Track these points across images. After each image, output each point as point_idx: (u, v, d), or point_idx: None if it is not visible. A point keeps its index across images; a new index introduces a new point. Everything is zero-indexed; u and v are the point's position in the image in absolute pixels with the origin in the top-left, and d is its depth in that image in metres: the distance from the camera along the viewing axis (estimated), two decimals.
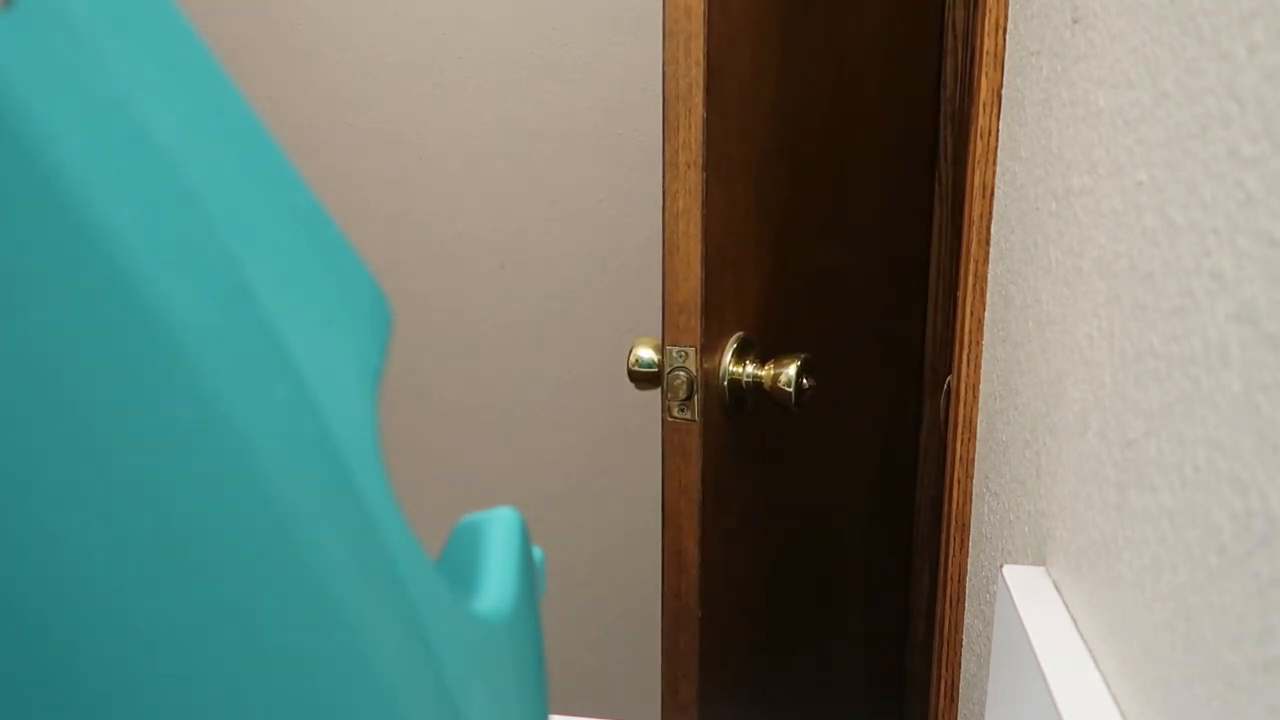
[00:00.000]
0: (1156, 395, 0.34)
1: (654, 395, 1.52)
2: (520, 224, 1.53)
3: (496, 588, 0.26)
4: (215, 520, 0.16)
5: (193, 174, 0.17)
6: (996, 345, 0.66)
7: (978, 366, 0.72)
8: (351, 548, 0.19)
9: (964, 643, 0.76)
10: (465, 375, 1.60)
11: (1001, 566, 0.56)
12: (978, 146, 0.69)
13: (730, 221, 0.89)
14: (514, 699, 0.26)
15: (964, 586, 0.76)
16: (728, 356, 0.92)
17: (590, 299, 1.52)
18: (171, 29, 0.18)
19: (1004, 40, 0.67)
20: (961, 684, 0.77)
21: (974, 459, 0.74)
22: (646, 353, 0.93)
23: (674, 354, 0.87)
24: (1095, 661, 0.40)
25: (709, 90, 0.82)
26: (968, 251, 0.72)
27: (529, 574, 0.28)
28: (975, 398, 0.72)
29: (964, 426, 0.74)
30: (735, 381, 0.92)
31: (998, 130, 0.68)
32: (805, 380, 0.93)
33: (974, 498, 0.74)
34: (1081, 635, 0.43)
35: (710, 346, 0.88)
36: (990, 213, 0.70)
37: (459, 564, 0.27)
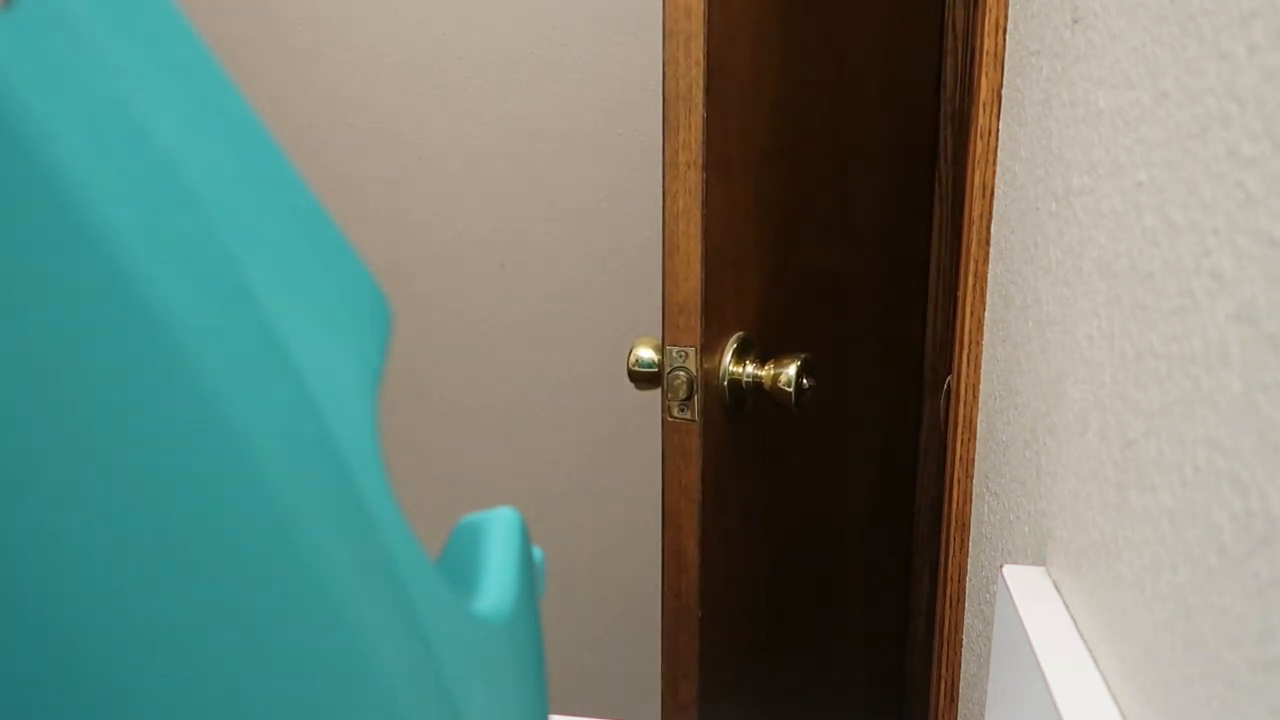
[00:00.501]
0: (1156, 395, 0.34)
1: (654, 395, 1.52)
2: (520, 224, 1.53)
3: (496, 588, 0.26)
4: (215, 520, 0.16)
5: (193, 174, 0.17)
6: (996, 345, 0.66)
7: (978, 366, 0.72)
8: (351, 548, 0.19)
9: (964, 643, 0.76)
10: (465, 375, 1.60)
11: (1001, 566, 0.56)
12: (978, 146, 0.69)
13: (730, 221, 0.89)
14: (514, 699, 0.26)
15: (964, 586, 0.76)
16: (728, 356, 0.92)
17: (590, 299, 1.52)
18: (171, 29, 0.18)
19: (1004, 40, 0.67)
20: (961, 684, 0.77)
21: (974, 459, 0.74)
22: (646, 353, 0.93)
23: (674, 354, 0.87)
24: (1095, 661, 0.40)
25: (709, 90, 0.82)
26: (968, 251, 0.72)
27: (529, 574, 0.28)
28: (975, 398, 0.72)
29: (964, 426, 0.74)
30: (735, 381, 0.92)
31: (998, 130, 0.68)
32: (805, 380, 0.93)
33: (974, 498, 0.74)
34: (1081, 635, 0.43)
35: (710, 346, 0.88)
36: (990, 213, 0.70)
37: (459, 564, 0.27)
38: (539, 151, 1.49)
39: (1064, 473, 0.47)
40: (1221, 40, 0.29)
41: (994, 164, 0.69)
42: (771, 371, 0.93)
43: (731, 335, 0.92)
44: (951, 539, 0.77)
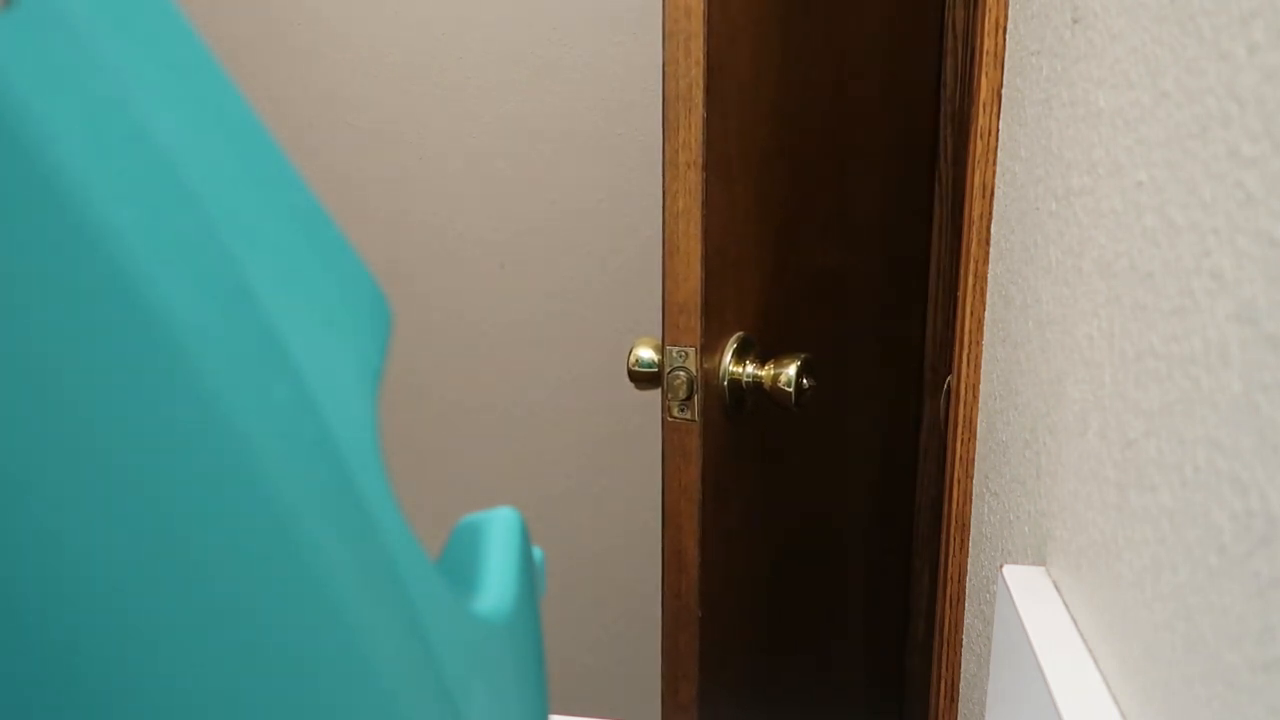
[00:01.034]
0: (1156, 395, 0.34)
1: (654, 395, 1.52)
2: (520, 224, 1.53)
3: (496, 588, 0.26)
4: (215, 520, 0.16)
5: (193, 174, 0.17)
6: (996, 345, 0.66)
7: (978, 366, 0.72)
8: (351, 548, 0.19)
9: (964, 643, 0.76)
10: (465, 375, 1.60)
11: (1001, 566, 0.56)
12: (978, 146, 0.69)
13: (730, 221, 0.89)
14: (514, 699, 0.26)
15: (964, 586, 0.76)
16: (728, 356, 0.92)
17: (590, 299, 1.52)
18: (171, 29, 0.18)
19: (1004, 40, 0.67)
20: (961, 684, 0.77)
21: (974, 459, 0.74)
22: (646, 353, 0.93)
23: (674, 354, 0.87)
24: (1095, 661, 0.40)
25: (709, 90, 0.82)
26: (968, 251, 0.72)
27: (529, 574, 0.28)
28: (975, 398, 0.72)
29: (964, 426, 0.74)
30: (735, 381, 0.92)
31: (998, 130, 0.68)
32: (805, 380, 0.93)
33: (974, 498, 0.74)
34: (1081, 635, 0.43)
35: (710, 346, 0.88)
36: (990, 213, 0.70)
37: (459, 564, 0.27)
38: (539, 151, 1.49)
39: (1064, 473, 0.47)
40: (1221, 40, 0.29)
41: (994, 164, 0.69)
42: (771, 371, 0.93)
43: (731, 335, 0.92)
44: (951, 539, 0.77)
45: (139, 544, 0.16)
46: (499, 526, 0.28)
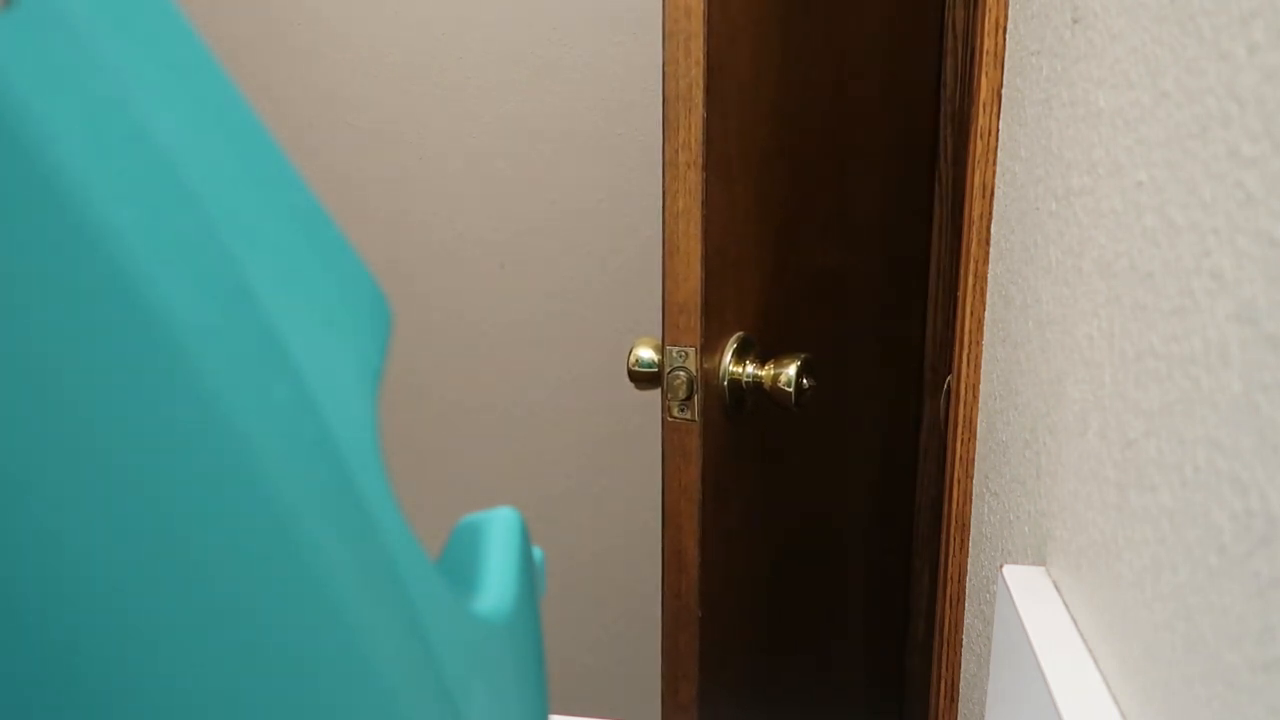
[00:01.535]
0: (1156, 395, 0.34)
1: (654, 395, 1.52)
2: (520, 224, 1.53)
3: (496, 588, 0.26)
4: (215, 520, 0.16)
5: (193, 174, 0.17)
6: (996, 345, 0.66)
7: (978, 366, 0.72)
8: (351, 548, 0.19)
9: (964, 643, 0.76)
10: (465, 375, 1.60)
11: (1001, 566, 0.56)
12: (978, 146, 0.69)
13: (730, 221, 0.89)
14: (514, 699, 0.26)
15: (964, 586, 0.76)
16: (728, 356, 0.92)
17: (590, 299, 1.52)
18: (171, 29, 0.18)
19: (1004, 40, 0.67)
20: (961, 684, 0.77)
21: (974, 459, 0.74)
22: (646, 353, 0.93)
23: (674, 354, 0.87)
24: (1095, 661, 0.40)
25: (709, 90, 0.82)
26: (968, 251, 0.72)
27: (529, 574, 0.28)
28: (975, 398, 0.72)
29: (964, 426, 0.74)
30: (735, 381, 0.92)
31: (998, 130, 0.68)
32: (805, 380, 0.93)
33: (974, 498, 0.74)
34: (1081, 635, 0.43)
35: (710, 346, 0.88)
36: (990, 213, 0.70)
37: (459, 564, 0.27)
38: (539, 151, 1.49)
39: (1064, 473, 0.47)
40: (1221, 40, 0.29)
41: (994, 164, 0.69)
42: (771, 371, 0.93)
43: (731, 335, 0.92)
44: (951, 539, 0.77)
45: (139, 544, 0.16)
46: (499, 526, 0.28)
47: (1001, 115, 0.67)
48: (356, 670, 0.19)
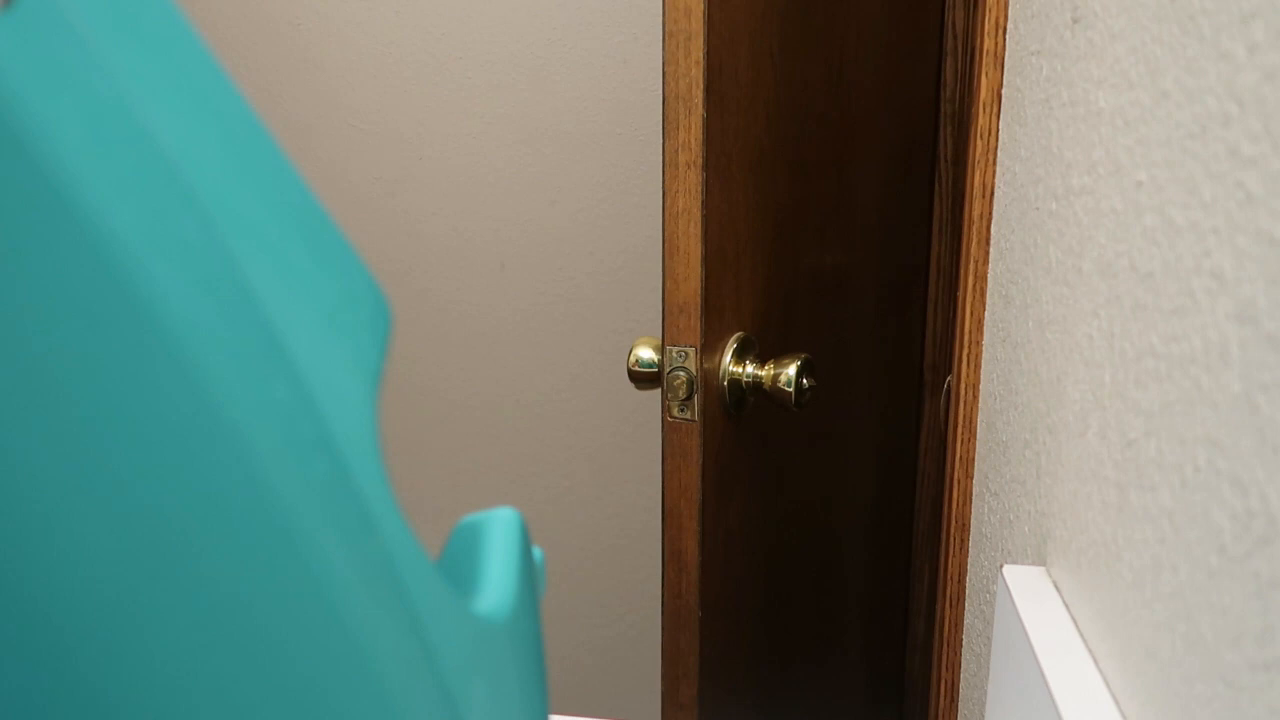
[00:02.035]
0: (1156, 395, 0.34)
1: (654, 395, 1.52)
2: (520, 224, 1.53)
3: (496, 588, 0.26)
4: (215, 520, 0.16)
5: (193, 174, 0.17)
6: (996, 345, 0.66)
7: (978, 366, 0.72)
8: (351, 547, 0.19)
9: (964, 643, 0.76)
10: (465, 375, 1.60)
11: (1001, 566, 0.56)
12: (978, 146, 0.69)
13: (730, 221, 0.89)
14: (514, 699, 0.26)
15: (964, 586, 0.76)
16: (728, 356, 0.92)
17: (590, 299, 1.52)
18: (171, 29, 0.18)
19: (1004, 40, 0.67)
20: (961, 684, 0.77)
21: (974, 459, 0.74)
22: (646, 353, 0.93)
23: (674, 354, 0.87)
24: (1095, 661, 0.40)
25: (709, 90, 0.82)
26: (968, 251, 0.72)
27: (529, 574, 0.28)
28: (975, 398, 0.72)
29: (964, 426, 0.74)
30: (735, 381, 0.92)
31: (998, 130, 0.68)
32: (805, 380, 0.93)
33: (974, 498, 0.74)
34: (1081, 635, 0.43)
35: (710, 346, 0.88)
36: (990, 213, 0.70)
37: (459, 564, 0.27)
38: (539, 151, 1.49)
39: (1064, 473, 0.47)
40: (1221, 40, 0.29)
41: (994, 164, 0.69)
42: (771, 371, 0.93)
43: (731, 335, 0.92)
44: (951, 539, 0.77)
45: (139, 543, 0.16)
46: (499, 526, 0.28)
47: (1001, 115, 0.67)
48: (356, 670, 0.19)
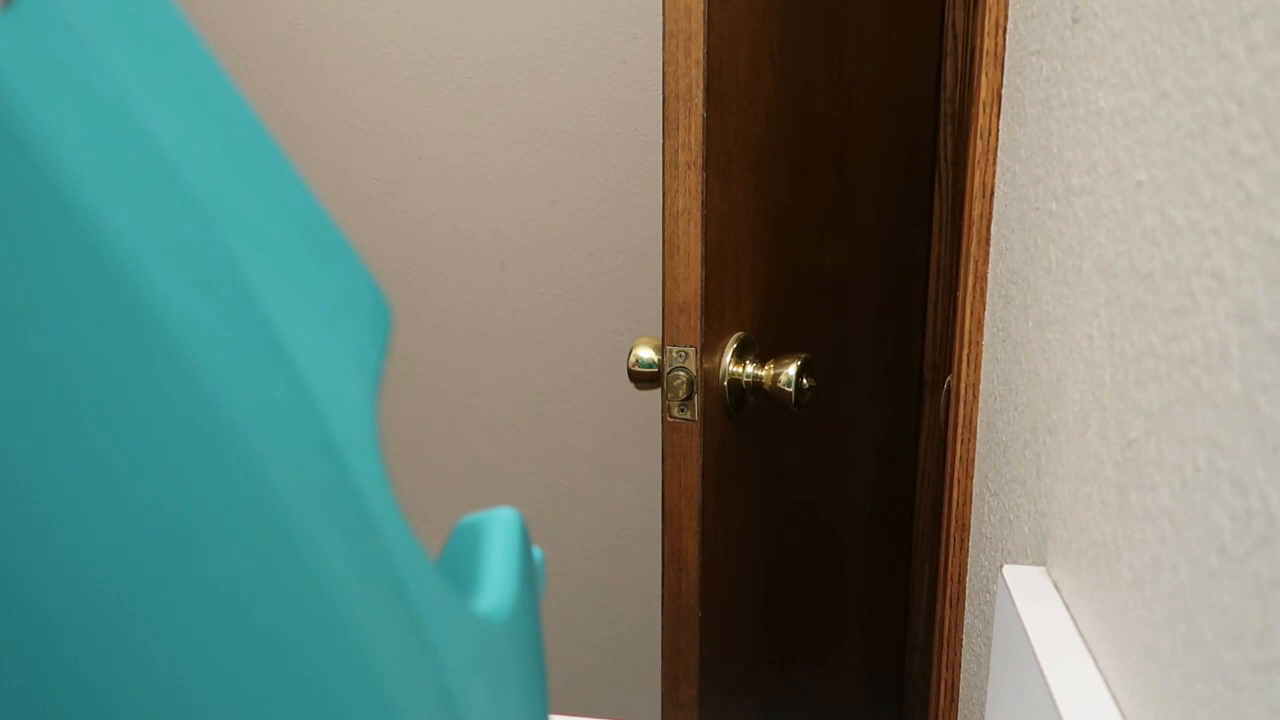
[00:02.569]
0: (1156, 395, 0.34)
1: (654, 395, 1.52)
2: (520, 224, 1.53)
3: (496, 588, 0.26)
4: (215, 520, 0.16)
5: (193, 174, 0.17)
6: (996, 345, 0.66)
7: (978, 366, 0.72)
8: (351, 547, 0.19)
9: (964, 643, 0.76)
10: (465, 375, 1.60)
11: (1001, 566, 0.56)
12: (978, 146, 0.69)
13: (730, 221, 0.89)
14: (514, 699, 0.26)
15: (964, 586, 0.76)
16: (728, 356, 0.92)
17: (590, 299, 1.52)
18: (172, 29, 0.18)
19: (1004, 40, 0.67)
20: (961, 684, 0.77)
21: (974, 459, 0.74)
22: (646, 353, 0.93)
23: (674, 354, 0.87)
24: (1095, 661, 0.40)
25: (709, 90, 0.82)
26: (968, 251, 0.72)
27: (529, 574, 0.28)
28: (975, 398, 0.72)
29: (964, 426, 0.74)
30: (735, 381, 0.92)
31: (998, 130, 0.68)
32: (805, 380, 0.93)
33: (974, 498, 0.74)
34: (1081, 635, 0.43)
35: (710, 346, 0.88)
36: (990, 213, 0.70)
37: (459, 564, 0.27)
38: (539, 151, 1.49)
39: (1064, 473, 0.47)
40: (1221, 40, 0.29)
41: (994, 164, 0.69)
42: (771, 371, 0.93)
43: (731, 335, 0.92)
44: (951, 539, 0.77)
45: (138, 544, 0.16)
46: (499, 526, 0.28)
47: (1001, 115, 0.67)
48: (356, 670, 0.19)
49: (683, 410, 0.87)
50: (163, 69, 0.17)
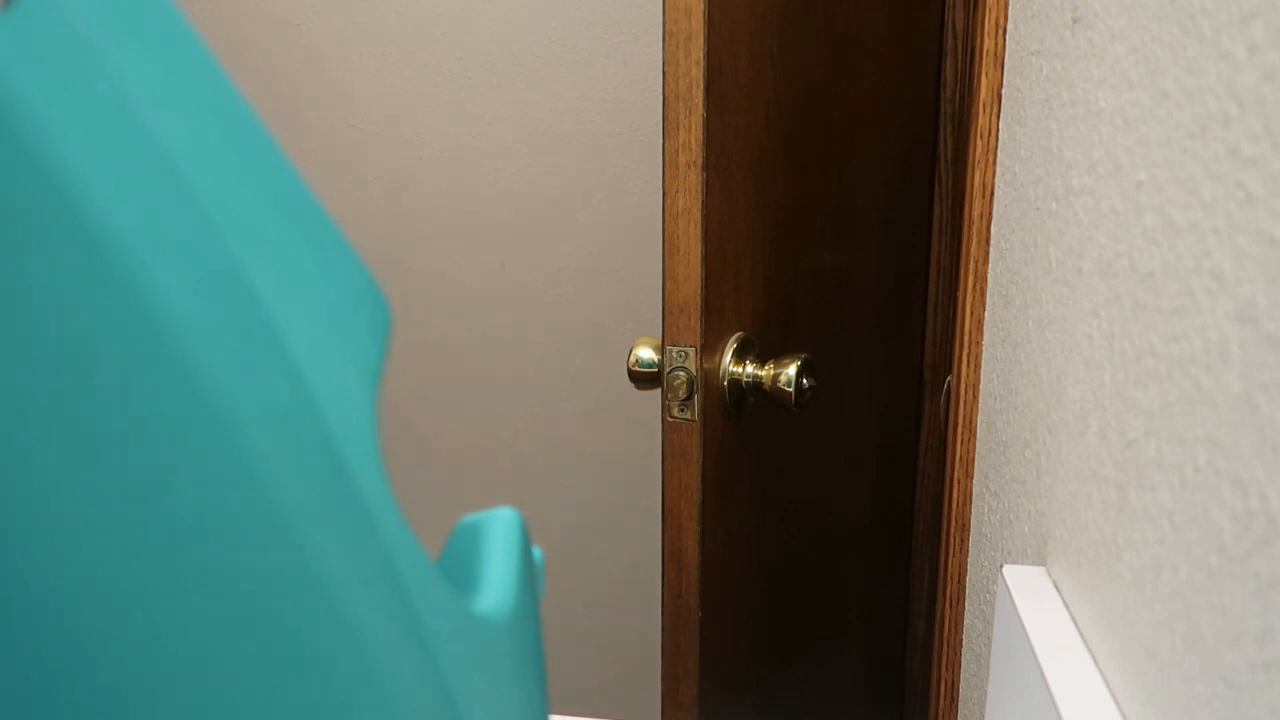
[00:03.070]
0: (1156, 395, 0.34)
1: (654, 395, 1.52)
2: (520, 224, 1.53)
3: (496, 588, 0.26)
4: (215, 520, 0.16)
5: (193, 174, 0.17)
6: (996, 345, 0.66)
7: (978, 366, 0.72)
8: (351, 548, 0.19)
9: (964, 643, 0.76)
10: (465, 375, 1.60)
11: (1001, 566, 0.56)
12: (978, 146, 0.69)
13: (730, 221, 0.89)
14: (514, 699, 0.26)
15: (964, 586, 0.76)
16: (728, 356, 0.92)
17: (590, 299, 1.52)
18: (172, 29, 0.18)
19: (1004, 40, 0.67)
20: (961, 684, 0.77)
21: (974, 459, 0.74)
22: (646, 353, 0.93)
23: (674, 354, 0.87)
24: (1095, 661, 0.40)
25: (709, 90, 0.82)
26: (968, 251, 0.72)
27: (529, 574, 0.28)
28: (975, 398, 0.72)
29: (964, 426, 0.74)
30: (735, 381, 0.92)
31: (998, 130, 0.68)
32: (805, 380, 0.93)
33: (974, 498, 0.74)
34: (1081, 635, 0.43)
35: (710, 346, 0.88)
36: (990, 213, 0.70)
37: (459, 564, 0.27)
38: (539, 151, 1.49)
39: (1064, 473, 0.47)
40: (1221, 40, 0.29)
41: (994, 164, 0.69)
42: (771, 371, 0.93)
43: (731, 335, 0.92)
44: (951, 539, 0.77)
45: (138, 544, 0.16)
46: (499, 526, 0.28)
47: (1001, 115, 0.67)
48: (356, 670, 0.19)
49: (683, 410, 0.87)
50: (163, 69, 0.17)
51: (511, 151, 1.50)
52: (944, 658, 0.80)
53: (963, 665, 0.77)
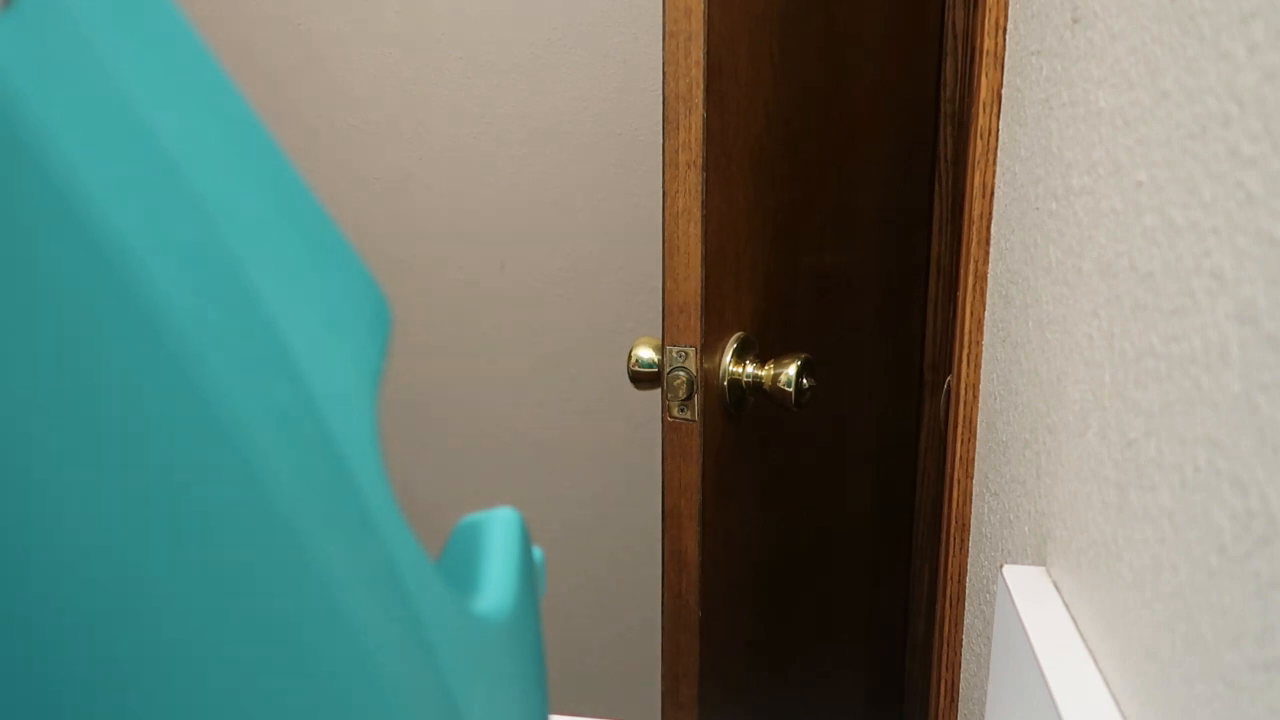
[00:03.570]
0: (1156, 395, 0.34)
1: (654, 395, 1.52)
2: (520, 224, 1.53)
3: (496, 588, 0.26)
4: (215, 520, 0.16)
5: (193, 174, 0.17)
6: (996, 345, 0.66)
7: (978, 366, 0.72)
8: (352, 548, 0.19)
9: (964, 643, 0.76)
10: (465, 375, 1.60)
11: (1001, 566, 0.56)
12: (978, 146, 0.69)
13: (730, 221, 0.89)
14: (514, 699, 0.26)
15: (964, 586, 0.76)
16: (728, 356, 0.92)
17: (590, 299, 1.52)
18: (172, 29, 0.18)
19: (1004, 40, 0.67)
20: (961, 684, 0.77)
21: (974, 459, 0.74)
22: (646, 353, 0.93)
23: (674, 354, 0.87)
24: (1095, 661, 0.40)
25: (709, 90, 0.82)
26: (968, 251, 0.72)
27: (529, 574, 0.28)
28: (975, 398, 0.72)
29: (964, 426, 0.74)
30: (735, 381, 0.92)
31: (998, 130, 0.68)
32: (805, 380, 0.93)
33: (974, 498, 0.74)
34: (1081, 635, 0.43)
35: (710, 346, 0.88)
36: (990, 213, 0.70)
37: (459, 564, 0.27)
38: (539, 151, 1.49)
39: (1064, 473, 0.47)
40: (1221, 40, 0.29)
41: (994, 164, 0.69)
42: (771, 371, 0.93)
43: (731, 335, 0.92)
44: (951, 539, 0.77)
45: (138, 544, 0.16)
46: (499, 526, 0.28)
47: (1001, 115, 0.67)
48: (356, 670, 0.19)
49: (683, 410, 0.87)
50: (163, 69, 0.17)
51: (512, 151, 1.50)
52: (944, 658, 0.80)
53: (963, 665, 0.77)
